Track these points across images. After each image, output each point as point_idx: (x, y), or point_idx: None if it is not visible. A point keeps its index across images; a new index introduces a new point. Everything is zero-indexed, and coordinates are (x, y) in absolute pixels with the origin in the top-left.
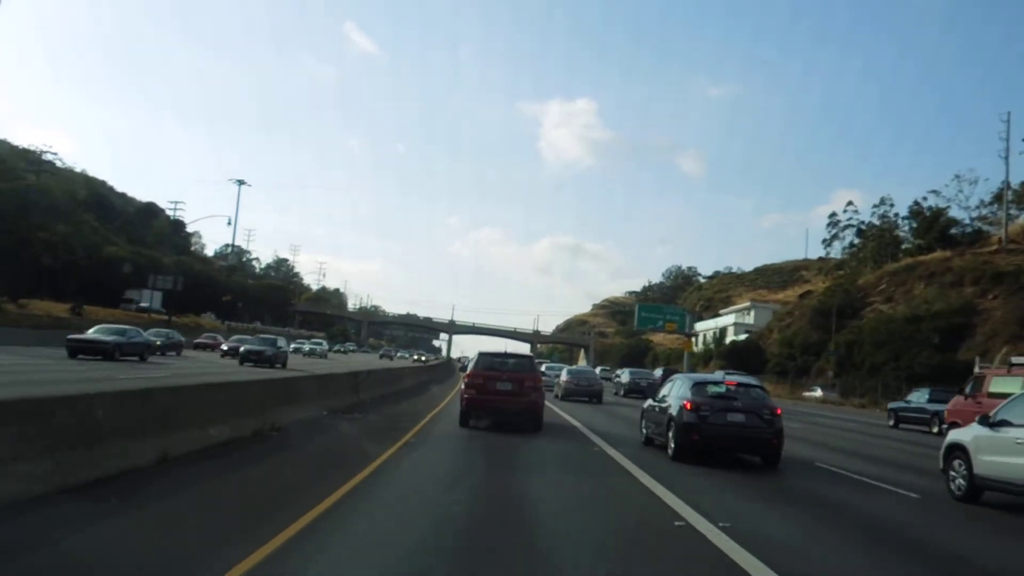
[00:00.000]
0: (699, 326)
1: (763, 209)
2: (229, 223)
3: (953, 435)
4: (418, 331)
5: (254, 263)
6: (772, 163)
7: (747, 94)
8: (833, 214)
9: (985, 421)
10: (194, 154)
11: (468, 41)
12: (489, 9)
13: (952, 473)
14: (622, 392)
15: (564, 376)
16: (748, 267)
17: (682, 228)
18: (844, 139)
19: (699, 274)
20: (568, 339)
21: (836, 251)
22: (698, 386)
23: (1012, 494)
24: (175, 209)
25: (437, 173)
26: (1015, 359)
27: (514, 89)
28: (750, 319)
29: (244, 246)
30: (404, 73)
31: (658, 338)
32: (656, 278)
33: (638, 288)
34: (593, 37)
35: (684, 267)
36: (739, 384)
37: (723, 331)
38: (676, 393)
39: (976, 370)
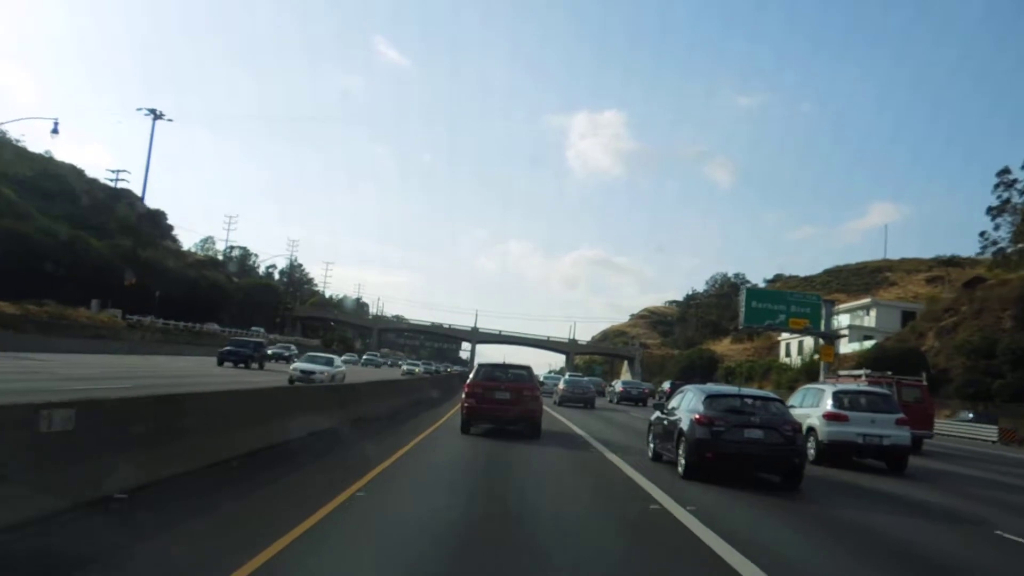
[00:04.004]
0: (785, 332)
1: (799, 216)
2: (55, 131)
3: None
4: (441, 340)
5: (271, 268)
6: (807, 170)
7: (777, 102)
8: (1005, 171)
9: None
10: (223, 166)
11: (495, 54)
12: (516, 22)
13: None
14: (616, 400)
15: (561, 385)
16: (793, 274)
17: (713, 238)
18: (877, 145)
19: (747, 281)
20: (611, 350)
21: (1004, 225)
22: (711, 399)
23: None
24: (117, 179)
25: (464, 186)
26: (843, 372)
27: (541, 101)
28: (870, 320)
29: (226, 237)
30: (431, 86)
31: (722, 347)
32: (684, 291)
33: (679, 297)
34: (620, 47)
35: (730, 274)
36: (756, 397)
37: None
38: (687, 406)
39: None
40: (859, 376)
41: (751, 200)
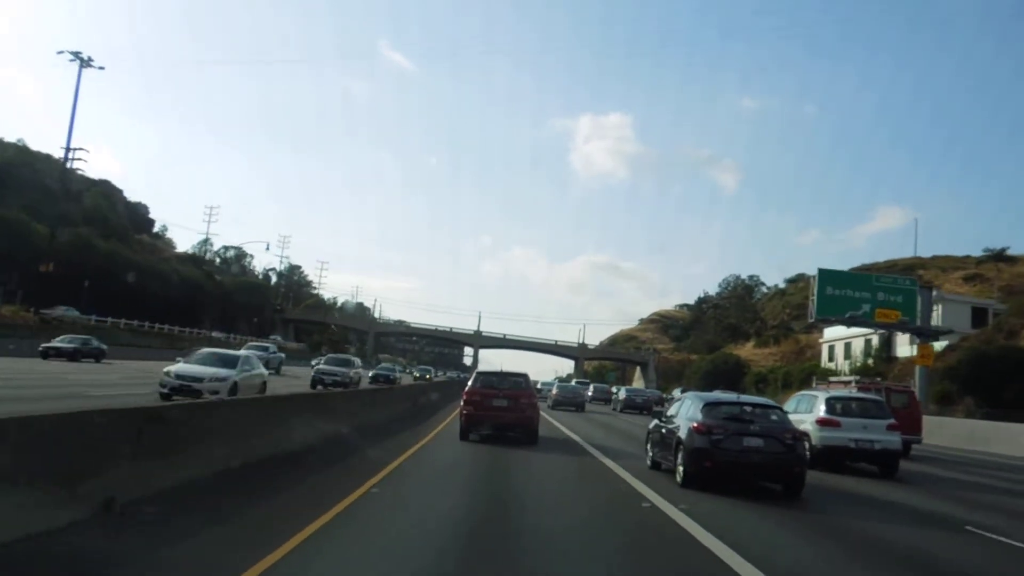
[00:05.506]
0: (829, 332)
1: (806, 219)
2: None
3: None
4: (443, 344)
5: (269, 271)
6: (814, 173)
7: (782, 105)
8: None
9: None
10: (225, 169)
11: (499, 57)
12: (520, 26)
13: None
14: (619, 408)
15: (555, 390)
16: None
17: (720, 242)
18: (882, 148)
19: (762, 283)
20: (623, 355)
21: None
22: (710, 406)
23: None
24: (73, 158)
25: (467, 190)
26: (833, 379)
27: (545, 105)
28: (935, 318)
29: (207, 226)
30: (435, 90)
31: (745, 351)
32: (692, 296)
33: (688, 301)
34: (624, 50)
35: (743, 276)
36: (755, 405)
37: (888, 339)
38: (685, 413)
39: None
40: (849, 382)
41: (758, 204)
